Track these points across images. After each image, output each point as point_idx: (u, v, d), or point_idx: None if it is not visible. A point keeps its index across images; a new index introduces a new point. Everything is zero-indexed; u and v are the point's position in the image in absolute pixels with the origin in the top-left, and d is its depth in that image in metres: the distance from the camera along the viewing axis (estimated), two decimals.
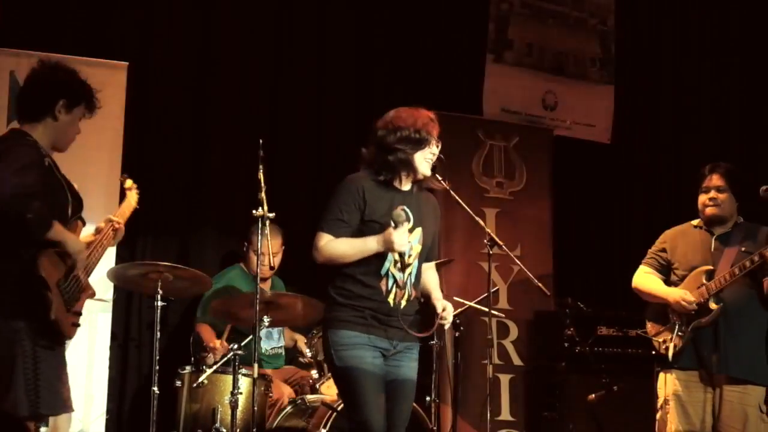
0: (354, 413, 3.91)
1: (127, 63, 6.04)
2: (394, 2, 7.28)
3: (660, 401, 4.92)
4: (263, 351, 5.75)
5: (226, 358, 5.10)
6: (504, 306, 6.87)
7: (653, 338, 4.95)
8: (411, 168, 4.03)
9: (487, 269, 4.92)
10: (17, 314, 3.62)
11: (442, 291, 4.25)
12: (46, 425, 3.83)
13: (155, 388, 4.95)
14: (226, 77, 6.68)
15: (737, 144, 7.91)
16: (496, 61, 7.45)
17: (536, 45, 7.59)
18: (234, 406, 4.85)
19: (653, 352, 4.98)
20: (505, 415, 6.77)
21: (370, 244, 3.92)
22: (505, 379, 6.82)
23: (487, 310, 5.01)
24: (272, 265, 4.99)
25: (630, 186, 7.92)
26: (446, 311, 4.07)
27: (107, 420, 5.85)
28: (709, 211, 4.93)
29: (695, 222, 5.04)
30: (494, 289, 6.11)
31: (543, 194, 7.28)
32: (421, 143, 4.00)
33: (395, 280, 3.98)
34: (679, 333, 4.85)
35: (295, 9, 6.95)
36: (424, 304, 4.17)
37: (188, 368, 5.26)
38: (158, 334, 5.01)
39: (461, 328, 5.93)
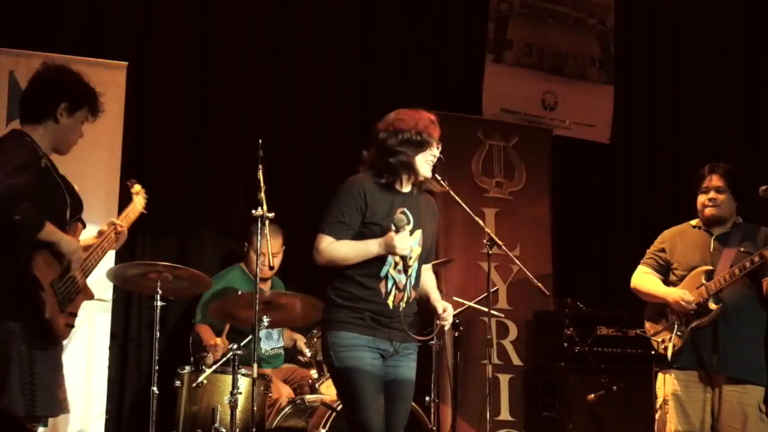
0: (353, 415, 3.91)
1: (127, 63, 6.03)
2: (394, 2, 7.28)
3: (659, 401, 4.92)
4: (263, 351, 5.75)
5: (225, 358, 5.10)
6: (503, 306, 6.87)
7: (652, 338, 4.95)
8: (412, 170, 4.03)
9: (486, 269, 4.93)
10: (12, 315, 3.60)
11: (441, 291, 4.26)
12: (45, 425, 3.82)
13: (155, 388, 4.96)
14: (225, 77, 6.68)
15: (736, 144, 7.90)
16: (495, 61, 7.45)
17: (536, 45, 7.59)
18: (233, 406, 4.85)
19: (652, 352, 4.98)
20: (505, 415, 6.77)
21: (371, 247, 3.92)
22: (504, 379, 6.82)
23: (486, 310, 5.02)
24: (272, 265, 5.00)
25: (629, 186, 7.92)
26: (447, 312, 4.08)
27: (107, 420, 5.85)
28: (708, 211, 4.93)
29: (694, 222, 5.04)
30: (494, 289, 6.11)
31: (542, 194, 7.29)
32: (422, 145, 4.00)
33: (395, 283, 3.98)
34: (678, 333, 4.85)
35: (295, 9, 6.94)
36: (422, 306, 4.17)
37: (188, 368, 5.26)
38: (158, 334, 5.02)
39: (461, 328, 5.94)
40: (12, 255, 3.62)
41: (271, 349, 5.93)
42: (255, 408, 4.78)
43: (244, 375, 5.01)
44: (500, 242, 4.58)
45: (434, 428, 5.50)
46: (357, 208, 3.96)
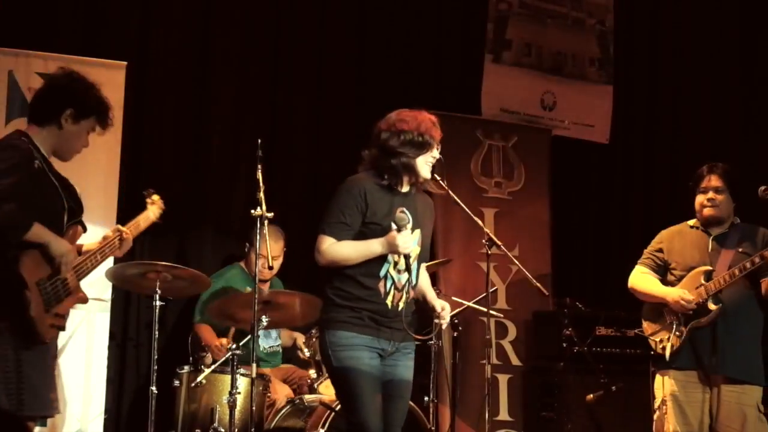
0: (351, 414, 3.92)
1: (126, 63, 6.03)
2: (394, 2, 7.28)
3: (657, 402, 4.92)
4: (261, 349, 5.75)
5: (224, 358, 5.10)
6: (502, 306, 6.87)
7: (650, 337, 4.94)
8: (413, 172, 4.03)
9: (485, 269, 4.92)
10: None
11: (440, 291, 4.27)
12: (44, 425, 3.81)
13: (153, 388, 4.95)
14: (224, 77, 6.67)
15: (735, 144, 7.91)
16: (494, 61, 7.46)
17: (535, 45, 7.59)
18: (232, 405, 4.85)
19: (651, 353, 4.98)
20: (504, 415, 6.77)
21: (373, 247, 3.93)
22: (503, 379, 6.83)
23: (485, 310, 5.01)
24: (270, 265, 4.99)
25: (628, 186, 7.92)
26: (444, 311, 4.09)
27: (105, 420, 5.84)
28: (707, 212, 4.93)
29: (691, 222, 5.04)
30: (493, 289, 6.11)
31: (541, 194, 7.29)
32: (423, 147, 4.01)
33: (393, 282, 3.98)
34: (677, 333, 4.84)
35: (295, 8, 6.94)
36: (420, 305, 4.18)
37: (186, 368, 5.26)
38: (156, 333, 5.01)
39: (460, 328, 5.93)
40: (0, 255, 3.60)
41: (270, 347, 5.93)
42: (254, 408, 4.77)
43: (242, 375, 5.01)
44: (499, 242, 4.58)
45: (433, 428, 5.49)
46: (357, 208, 3.96)
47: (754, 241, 4.84)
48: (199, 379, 5.10)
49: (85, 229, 3.97)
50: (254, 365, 4.68)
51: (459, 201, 4.39)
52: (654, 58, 8.03)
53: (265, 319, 4.91)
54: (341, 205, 3.97)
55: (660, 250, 5.04)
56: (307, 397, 5.44)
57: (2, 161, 3.62)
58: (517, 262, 4.89)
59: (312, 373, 5.65)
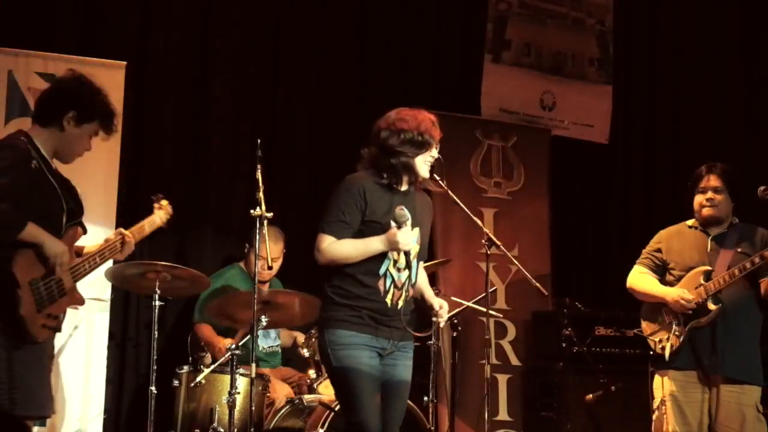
0: (350, 414, 3.92)
1: (126, 63, 6.03)
2: (394, 2, 7.28)
3: (656, 402, 4.91)
4: (260, 349, 5.75)
5: (224, 358, 5.10)
6: (502, 306, 6.87)
7: (649, 337, 4.94)
8: (412, 171, 4.04)
9: (485, 269, 4.92)
10: None
11: (439, 291, 4.27)
12: (44, 425, 3.81)
13: (153, 388, 4.95)
14: (224, 77, 6.67)
15: (735, 144, 7.90)
16: (494, 61, 7.46)
17: (534, 45, 7.59)
18: (231, 405, 4.85)
19: (650, 353, 4.97)
20: (503, 415, 6.77)
21: (373, 245, 3.93)
22: (502, 379, 6.83)
23: (484, 310, 5.01)
24: (269, 265, 4.99)
25: (628, 186, 7.92)
26: (442, 309, 4.10)
27: (105, 420, 5.85)
28: (706, 212, 4.93)
29: (690, 222, 5.03)
30: (492, 289, 6.11)
31: (541, 194, 7.29)
32: (423, 146, 4.01)
33: (393, 281, 3.98)
34: (676, 333, 4.84)
35: (295, 8, 6.94)
36: (418, 303, 4.18)
37: (186, 368, 5.26)
38: (156, 333, 5.01)
39: (459, 328, 5.94)
40: None
41: (269, 347, 5.93)
42: (253, 408, 4.77)
43: (242, 375, 5.01)
44: (499, 242, 4.58)
45: (432, 428, 5.49)
46: (357, 206, 3.96)
47: (753, 242, 4.84)
48: (198, 379, 5.10)
49: (85, 231, 3.96)
50: (253, 365, 4.68)
51: (458, 201, 4.40)
52: (654, 58, 8.03)
53: (264, 319, 4.92)
54: (341, 203, 3.97)
55: (659, 250, 5.04)
56: (307, 397, 5.43)
57: None
58: (516, 262, 4.89)
59: (311, 373, 5.65)
